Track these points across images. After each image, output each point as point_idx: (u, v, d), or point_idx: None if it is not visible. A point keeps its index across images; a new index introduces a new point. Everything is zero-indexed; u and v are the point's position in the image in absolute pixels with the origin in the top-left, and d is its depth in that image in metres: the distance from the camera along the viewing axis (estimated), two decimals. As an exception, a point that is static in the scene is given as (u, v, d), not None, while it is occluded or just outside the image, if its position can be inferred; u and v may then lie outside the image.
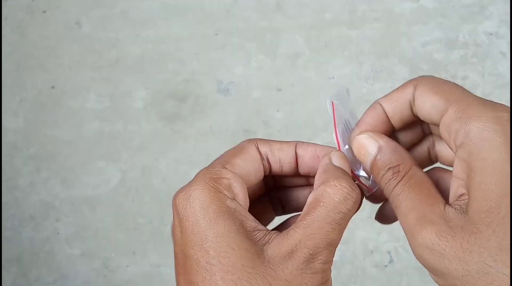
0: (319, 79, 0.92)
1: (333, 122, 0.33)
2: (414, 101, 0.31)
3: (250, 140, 0.33)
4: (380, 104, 0.32)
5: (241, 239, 0.27)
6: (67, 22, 0.95)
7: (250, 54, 0.92)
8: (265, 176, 0.33)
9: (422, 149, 0.33)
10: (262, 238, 0.28)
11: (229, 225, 0.28)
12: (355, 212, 0.29)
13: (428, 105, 0.30)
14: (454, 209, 0.27)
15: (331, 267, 0.28)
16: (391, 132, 0.32)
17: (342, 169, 0.31)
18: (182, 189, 0.29)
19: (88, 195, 0.92)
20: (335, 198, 0.28)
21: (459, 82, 0.91)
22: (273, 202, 0.36)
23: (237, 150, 0.32)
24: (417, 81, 0.31)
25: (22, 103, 0.94)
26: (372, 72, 0.91)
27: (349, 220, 0.29)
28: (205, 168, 0.31)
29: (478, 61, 0.90)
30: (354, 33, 0.92)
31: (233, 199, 0.29)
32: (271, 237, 0.28)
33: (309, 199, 0.29)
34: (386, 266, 0.88)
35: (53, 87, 0.94)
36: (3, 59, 0.94)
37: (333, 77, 0.92)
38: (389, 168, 0.29)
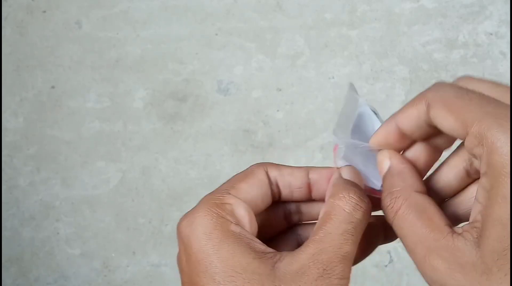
0: (319, 79, 0.92)
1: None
2: (431, 120, 0.28)
3: (259, 164, 0.32)
4: (394, 123, 0.30)
5: (247, 262, 0.27)
6: (67, 22, 0.95)
7: (250, 54, 0.92)
8: (275, 202, 0.33)
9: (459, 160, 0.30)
10: (272, 258, 0.27)
11: (233, 248, 0.27)
12: (366, 223, 0.29)
13: (446, 127, 0.27)
14: (464, 240, 0.25)
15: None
16: (410, 145, 0.30)
17: (351, 181, 0.30)
18: (185, 216, 0.29)
19: (88, 195, 0.92)
20: (345, 209, 0.28)
21: (459, 82, 0.91)
22: (286, 214, 0.35)
23: (244, 175, 0.31)
24: (428, 97, 0.28)
25: (22, 103, 0.94)
26: (372, 72, 0.91)
27: (362, 231, 0.28)
28: (209, 193, 0.30)
29: (478, 61, 0.90)
30: (354, 33, 0.92)
31: (237, 224, 0.28)
32: (281, 255, 0.27)
33: (320, 214, 0.29)
34: (386, 266, 0.88)
35: (53, 87, 0.94)
36: (3, 59, 0.94)
37: (333, 77, 0.92)
38: (388, 193, 0.28)
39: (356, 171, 0.31)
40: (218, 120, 0.91)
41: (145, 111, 0.92)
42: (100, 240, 0.91)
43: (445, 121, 0.27)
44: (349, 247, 0.27)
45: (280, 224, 0.34)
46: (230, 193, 0.30)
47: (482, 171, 0.25)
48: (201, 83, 0.93)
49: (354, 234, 0.27)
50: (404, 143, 0.30)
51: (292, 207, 0.34)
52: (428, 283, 0.27)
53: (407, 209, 0.27)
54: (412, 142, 0.30)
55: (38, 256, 0.92)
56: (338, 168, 0.32)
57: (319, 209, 0.32)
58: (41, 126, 0.93)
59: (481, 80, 0.28)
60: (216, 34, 0.93)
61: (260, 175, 0.31)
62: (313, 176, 0.32)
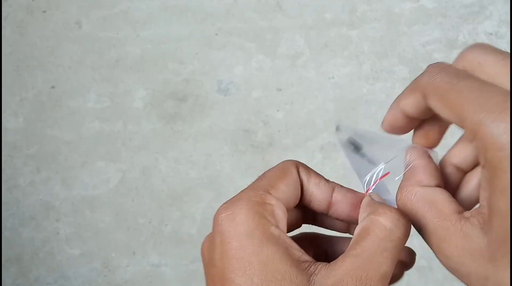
0: (319, 79, 0.92)
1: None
2: (430, 107, 0.28)
3: (293, 163, 0.31)
4: (399, 107, 0.30)
5: (285, 269, 0.26)
6: (67, 22, 0.95)
7: (250, 54, 0.92)
8: None
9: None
10: (308, 268, 0.27)
11: (273, 252, 0.27)
12: (405, 242, 0.28)
13: (445, 118, 0.27)
14: (472, 226, 0.26)
15: None
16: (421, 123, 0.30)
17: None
18: (225, 208, 0.28)
19: (88, 195, 0.92)
20: (386, 226, 0.27)
21: (459, 82, 0.91)
22: (303, 216, 0.35)
23: (281, 172, 0.31)
24: (423, 87, 0.28)
25: (22, 103, 0.94)
26: (372, 72, 0.91)
27: (401, 250, 0.28)
28: (248, 188, 0.30)
29: (478, 61, 0.90)
30: (354, 33, 0.92)
31: (277, 226, 0.28)
32: (317, 267, 0.27)
33: (357, 230, 0.28)
34: (386, 266, 0.88)
35: (53, 87, 0.94)
36: (3, 59, 0.94)
37: (333, 77, 0.92)
38: (398, 190, 0.29)
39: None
40: (218, 120, 0.91)
41: (145, 111, 0.92)
42: (100, 240, 0.91)
43: (442, 113, 0.27)
44: (388, 267, 0.27)
45: (296, 224, 0.34)
46: (271, 193, 0.29)
47: (481, 164, 0.25)
48: (201, 83, 0.93)
49: (393, 253, 0.27)
50: (413, 124, 0.30)
51: (310, 212, 0.34)
52: (447, 269, 0.28)
53: (416, 204, 0.28)
54: (421, 120, 0.30)
55: (38, 256, 0.92)
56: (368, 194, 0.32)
57: (334, 221, 0.33)
58: (41, 126, 0.93)
59: (487, 52, 0.28)
60: (216, 34, 0.93)
61: (295, 175, 0.31)
62: (338, 195, 0.31)
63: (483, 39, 0.90)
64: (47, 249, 0.92)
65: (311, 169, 0.32)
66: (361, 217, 0.29)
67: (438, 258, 0.27)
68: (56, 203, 0.92)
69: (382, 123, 0.31)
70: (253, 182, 0.30)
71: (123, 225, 0.91)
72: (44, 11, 0.95)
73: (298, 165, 0.31)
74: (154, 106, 0.93)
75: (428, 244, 0.28)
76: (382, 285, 0.26)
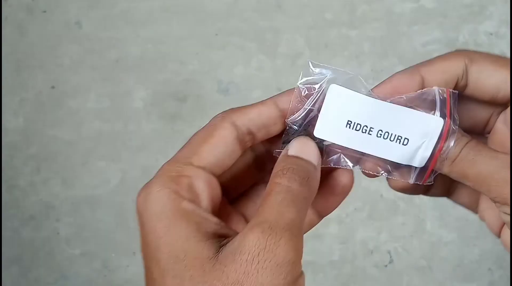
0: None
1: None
2: (468, 77, 0.28)
3: (223, 116, 0.29)
4: (420, 74, 0.30)
5: (190, 247, 0.25)
6: (67, 22, 0.95)
7: (250, 54, 0.92)
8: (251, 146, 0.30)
9: None
10: (219, 241, 0.25)
11: (180, 231, 0.25)
12: (311, 193, 0.27)
13: (496, 80, 0.27)
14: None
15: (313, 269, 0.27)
16: None
17: (295, 157, 0.28)
18: (142, 190, 0.27)
19: (88, 195, 0.92)
20: (282, 183, 0.26)
21: (459, 82, 0.91)
22: (258, 163, 0.32)
23: (206, 133, 0.29)
24: (468, 54, 0.28)
25: (22, 103, 0.94)
26: (372, 72, 0.91)
27: (306, 201, 0.26)
28: (168, 162, 0.28)
29: (478, 61, 0.90)
30: (354, 33, 0.92)
31: (192, 200, 0.26)
32: (229, 239, 0.25)
33: (263, 195, 0.27)
34: (386, 266, 0.88)
35: (53, 87, 0.94)
36: (3, 59, 0.94)
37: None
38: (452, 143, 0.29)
39: (306, 143, 0.29)
40: (218, 120, 0.91)
41: (145, 111, 0.92)
42: (100, 240, 0.91)
43: (496, 74, 0.27)
44: (292, 214, 0.25)
45: (252, 174, 0.32)
46: (191, 162, 0.27)
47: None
48: (201, 83, 0.93)
49: (295, 202, 0.25)
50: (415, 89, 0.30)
51: (263, 153, 0.32)
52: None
53: (471, 151, 0.28)
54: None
55: (38, 256, 0.92)
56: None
57: None
58: (41, 126, 0.93)
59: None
60: (216, 34, 0.93)
61: (225, 130, 0.29)
62: (285, 105, 0.30)
63: (483, 39, 0.90)
64: (47, 249, 0.92)
65: (244, 106, 0.30)
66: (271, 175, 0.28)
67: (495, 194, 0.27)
68: (56, 203, 0.92)
69: (384, 84, 0.30)
70: (177, 151, 0.29)
71: (123, 225, 0.91)
72: (44, 11, 0.95)
73: (230, 115, 0.29)
74: (154, 106, 0.93)
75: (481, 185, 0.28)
76: (291, 235, 0.24)
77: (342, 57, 0.92)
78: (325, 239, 0.88)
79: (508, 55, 0.89)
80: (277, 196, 0.25)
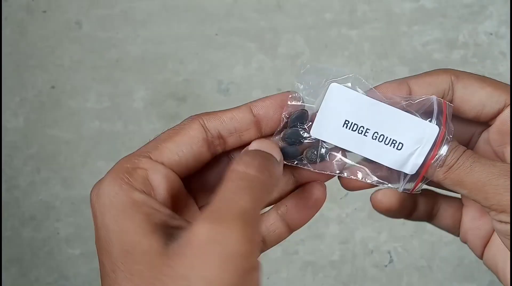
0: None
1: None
2: (454, 93, 0.29)
3: (194, 117, 0.29)
4: (407, 84, 0.30)
5: (139, 240, 0.23)
6: (67, 22, 0.95)
7: (250, 54, 0.92)
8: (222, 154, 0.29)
9: None
10: (170, 234, 0.24)
11: (129, 223, 0.24)
12: (271, 182, 0.25)
13: (480, 97, 0.28)
14: None
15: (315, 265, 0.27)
16: None
17: (253, 150, 0.27)
18: (96, 183, 0.26)
19: (88, 195, 0.92)
20: (238, 169, 0.24)
21: (459, 82, 0.91)
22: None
23: (173, 132, 0.28)
24: (454, 72, 0.29)
25: (22, 103, 0.94)
26: (372, 72, 0.91)
27: (264, 188, 0.24)
28: (127, 155, 0.27)
29: (478, 61, 0.90)
30: (354, 33, 0.92)
31: (143, 192, 0.25)
32: (180, 233, 0.23)
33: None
34: (386, 266, 0.88)
35: (53, 87, 0.94)
36: (3, 59, 0.94)
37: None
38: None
39: (266, 141, 0.28)
40: (218, 120, 0.91)
41: (145, 111, 0.92)
42: (100, 240, 0.91)
43: (477, 93, 0.28)
44: (246, 203, 0.23)
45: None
46: (149, 156, 0.27)
47: None
48: (201, 83, 0.93)
49: (251, 189, 0.23)
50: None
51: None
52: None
53: (469, 160, 0.28)
54: None
55: (38, 256, 0.92)
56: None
57: None
58: (41, 126, 0.93)
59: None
60: (216, 34, 0.93)
61: (193, 130, 0.28)
62: (260, 111, 0.29)
63: (483, 39, 0.90)
64: (47, 249, 0.92)
65: (218, 111, 0.29)
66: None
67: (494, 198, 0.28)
68: (56, 203, 0.92)
69: (376, 88, 0.30)
70: (141, 146, 0.28)
71: (123, 225, 0.91)
72: (44, 11, 0.95)
73: (201, 118, 0.29)
74: (154, 106, 0.93)
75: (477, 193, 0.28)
76: (243, 221, 0.22)
77: (342, 57, 0.91)
78: (325, 239, 0.88)
79: (508, 55, 0.89)
80: (231, 183, 0.24)
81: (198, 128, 0.28)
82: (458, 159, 0.28)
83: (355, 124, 0.29)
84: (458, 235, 0.34)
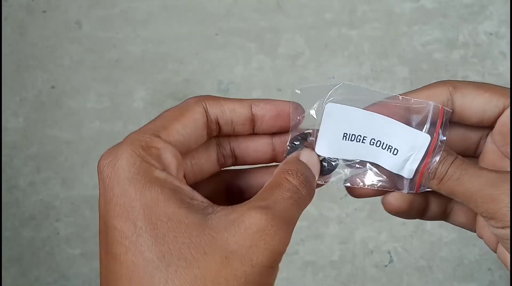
0: (319, 79, 0.92)
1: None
2: (453, 103, 0.30)
3: (197, 100, 0.30)
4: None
5: (172, 210, 0.25)
6: (67, 22, 0.95)
7: (250, 54, 0.92)
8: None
9: None
10: (203, 208, 0.26)
11: (158, 195, 0.25)
12: (308, 203, 0.28)
13: (478, 103, 0.30)
14: None
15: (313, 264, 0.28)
16: None
17: (305, 164, 0.29)
18: (107, 154, 0.27)
19: (88, 195, 0.92)
20: (293, 183, 0.27)
21: (459, 82, 0.91)
22: (223, 152, 0.33)
23: (179, 112, 0.29)
24: (452, 83, 0.31)
25: (22, 103, 0.94)
26: (372, 72, 0.91)
27: (304, 208, 0.28)
28: (136, 131, 0.28)
29: (478, 61, 0.90)
30: (354, 33, 0.92)
31: (163, 170, 0.26)
32: (215, 209, 0.26)
33: (266, 184, 0.28)
34: (386, 266, 0.88)
35: (53, 87, 0.94)
36: (3, 59, 0.94)
37: (333, 77, 0.92)
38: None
39: (314, 156, 0.30)
40: (218, 120, 0.91)
41: (145, 111, 0.92)
42: (100, 240, 0.91)
43: (479, 97, 0.30)
44: (294, 213, 0.26)
45: (211, 166, 0.32)
46: (159, 136, 0.28)
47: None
48: (201, 83, 0.93)
49: (299, 203, 0.27)
50: None
51: (226, 149, 0.32)
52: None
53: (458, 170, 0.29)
54: None
55: (38, 256, 0.92)
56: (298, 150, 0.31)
57: (255, 154, 0.32)
58: (41, 126, 0.93)
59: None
60: (216, 34, 0.93)
61: (197, 113, 0.29)
62: (258, 112, 0.30)
63: (483, 39, 0.90)
64: (47, 249, 0.92)
65: (222, 97, 0.30)
66: (276, 171, 0.29)
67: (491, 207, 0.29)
68: (56, 203, 0.92)
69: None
70: (146, 124, 0.29)
71: (123, 225, 0.91)
72: (44, 11, 0.95)
73: (204, 101, 0.30)
74: (154, 106, 0.93)
75: (471, 201, 0.29)
76: (287, 229, 0.25)
77: (342, 57, 0.92)
78: (325, 239, 0.88)
79: (508, 55, 0.89)
80: (286, 192, 0.27)
81: (201, 111, 0.29)
82: (447, 170, 0.29)
83: (353, 134, 0.31)
84: (475, 231, 0.35)
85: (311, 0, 0.93)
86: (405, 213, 0.33)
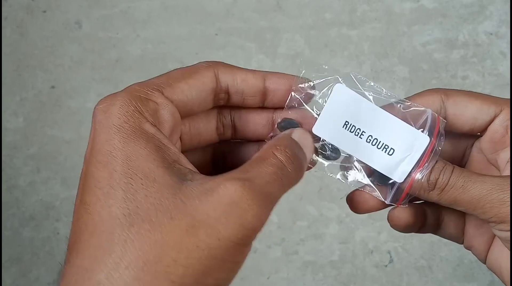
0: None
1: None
2: (446, 110, 0.31)
3: (210, 64, 0.29)
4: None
5: (150, 167, 0.23)
6: (67, 22, 0.95)
7: (250, 54, 0.92)
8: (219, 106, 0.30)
9: None
10: (184, 174, 0.24)
11: (140, 149, 0.24)
12: (296, 182, 0.27)
13: (471, 111, 0.30)
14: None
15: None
16: None
17: (296, 142, 0.28)
18: (104, 100, 0.26)
19: (88, 195, 0.92)
20: (280, 158, 0.25)
21: (459, 82, 0.91)
22: (224, 121, 0.32)
23: (188, 72, 0.28)
24: (444, 91, 0.31)
25: (22, 103, 0.94)
26: (372, 72, 0.91)
27: (290, 186, 0.26)
28: (140, 83, 0.27)
29: (478, 61, 0.90)
30: (354, 33, 0.92)
31: (154, 125, 0.25)
32: (194, 176, 0.24)
33: (252, 158, 0.26)
34: (386, 266, 0.88)
35: (53, 87, 0.94)
36: (3, 59, 0.94)
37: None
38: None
39: (308, 137, 0.29)
40: (218, 120, 0.91)
41: (145, 111, 0.92)
42: (100, 240, 0.91)
43: (471, 105, 0.30)
44: (275, 189, 0.24)
45: (209, 133, 0.31)
46: (162, 92, 0.27)
47: None
48: (201, 83, 0.93)
49: (282, 180, 0.25)
50: None
51: (227, 118, 0.32)
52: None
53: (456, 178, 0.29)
54: None
55: (38, 256, 0.92)
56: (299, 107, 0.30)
57: (255, 127, 0.31)
58: (41, 126, 0.93)
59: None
60: (216, 34, 0.93)
61: (206, 77, 0.28)
62: (271, 85, 0.30)
63: (483, 39, 0.90)
64: (47, 249, 0.92)
65: (235, 66, 0.29)
66: (266, 146, 0.27)
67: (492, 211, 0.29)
68: (56, 203, 0.92)
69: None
70: (152, 78, 0.28)
71: (123, 225, 0.91)
72: (44, 11, 0.95)
73: (217, 67, 0.29)
74: (154, 106, 0.93)
75: (476, 208, 0.29)
76: (267, 204, 0.24)
77: (342, 57, 0.92)
78: (325, 239, 0.88)
79: (508, 55, 0.89)
80: (270, 167, 0.25)
81: (211, 76, 0.29)
82: (449, 180, 0.29)
83: (353, 125, 0.30)
84: (462, 243, 0.35)
85: (311, 0, 0.93)
86: (411, 227, 0.33)
